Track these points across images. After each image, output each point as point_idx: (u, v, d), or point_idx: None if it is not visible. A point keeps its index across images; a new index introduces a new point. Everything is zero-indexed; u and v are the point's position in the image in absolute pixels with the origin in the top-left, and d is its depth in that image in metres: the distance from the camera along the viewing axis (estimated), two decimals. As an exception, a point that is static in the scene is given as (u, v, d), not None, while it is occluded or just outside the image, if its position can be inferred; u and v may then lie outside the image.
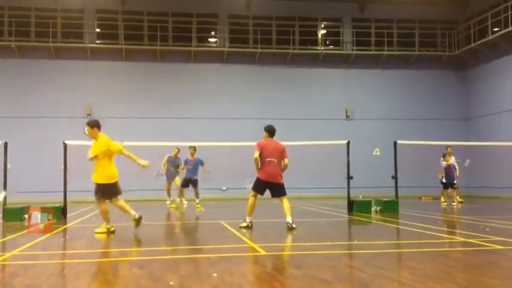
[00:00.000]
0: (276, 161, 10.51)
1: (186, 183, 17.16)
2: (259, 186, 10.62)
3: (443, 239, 8.94)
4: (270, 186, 10.56)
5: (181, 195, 17.84)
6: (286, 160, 10.58)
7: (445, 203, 18.76)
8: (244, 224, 10.54)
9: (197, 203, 16.71)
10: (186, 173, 17.14)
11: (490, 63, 26.48)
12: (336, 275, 5.82)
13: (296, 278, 5.60)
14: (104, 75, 26.34)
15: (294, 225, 10.12)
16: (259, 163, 10.54)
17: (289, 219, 10.26)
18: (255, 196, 10.65)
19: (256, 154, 10.48)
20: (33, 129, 24.68)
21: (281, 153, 10.61)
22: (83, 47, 26.04)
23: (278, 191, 10.57)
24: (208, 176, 17.08)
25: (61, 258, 7.54)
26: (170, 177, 18.45)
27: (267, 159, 10.46)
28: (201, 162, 17.20)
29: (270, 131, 10.92)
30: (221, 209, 17.57)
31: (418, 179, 23.64)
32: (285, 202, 10.54)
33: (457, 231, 10.62)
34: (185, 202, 17.97)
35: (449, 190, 18.90)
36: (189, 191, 17.47)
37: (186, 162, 17.23)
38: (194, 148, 17.26)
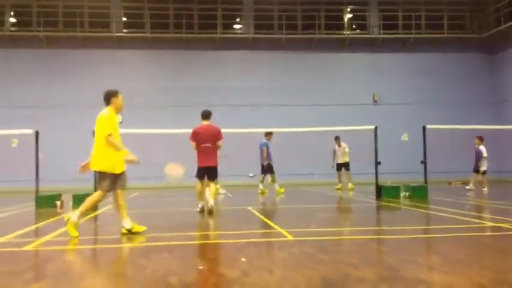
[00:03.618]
0: (209, 145, 10.96)
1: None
2: (199, 172, 11.11)
3: (473, 223, 8.85)
4: (206, 170, 11.05)
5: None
6: (219, 142, 11.03)
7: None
8: (197, 209, 11.09)
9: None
10: None
11: (520, 45, 25.88)
12: (364, 259, 5.81)
13: (324, 262, 5.62)
14: (130, 64, 26.57)
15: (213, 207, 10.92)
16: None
17: (211, 202, 11.01)
18: (200, 182, 11.17)
19: (193, 145, 11.06)
20: (62, 118, 25.07)
21: (215, 137, 10.99)
22: (109, 36, 26.28)
23: (211, 173, 11.13)
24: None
25: (93, 244, 7.69)
26: None
27: (202, 145, 10.90)
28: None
29: (202, 115, 11.26)
30: (248, 194, 17.63)
31: (447, 164, 23.35)
32: (212, 186, 11.24)
33: (487, 215, 10.48)
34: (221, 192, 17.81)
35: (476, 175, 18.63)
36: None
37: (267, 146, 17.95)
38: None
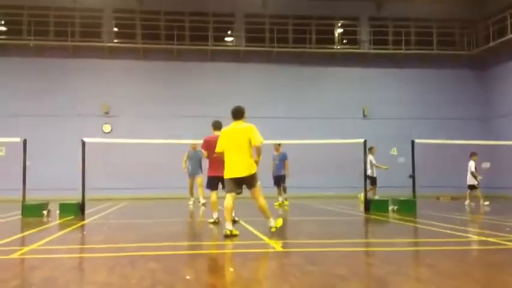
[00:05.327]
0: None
1: (277, 180, 17.43)
2: (211, 182, 11.01)
3: (462, 237, 8.85)
4: (219, 180, 10.42)
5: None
6: None
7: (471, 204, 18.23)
8: (211, 220, 11.10)
9: (285, 199, 17.31)
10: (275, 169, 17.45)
11: (510, 62, 26.12)
12: (352, 271, 5.79)
13: (312, 273, 5.59)
14: (121, 74, 26.50)
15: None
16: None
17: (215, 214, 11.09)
18: (214, 193, 11.10)
19: (205, 154, 11.05)
20: (52, 127, 24.91)
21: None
22: (100, 46, 26.23)
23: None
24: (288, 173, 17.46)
25: (79, 253, 7.61)
26: (192, 173, 17.51)
27: (214, 155, 9.79)
28: (285, 157, 17.49)
29: (213, 125, 11.28)
30: (237, 206, 17.50)
31: (436, 178, 23.42)
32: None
33: (477, 230, 10.50)
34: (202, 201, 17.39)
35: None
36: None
37: (273, 158, 17.46)
38: (279, 144, 17.60)
